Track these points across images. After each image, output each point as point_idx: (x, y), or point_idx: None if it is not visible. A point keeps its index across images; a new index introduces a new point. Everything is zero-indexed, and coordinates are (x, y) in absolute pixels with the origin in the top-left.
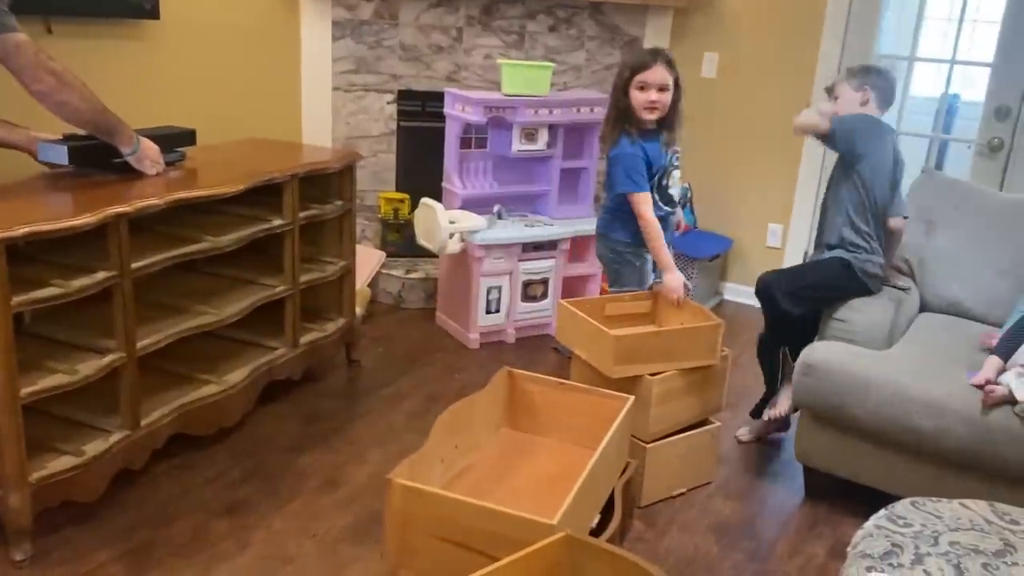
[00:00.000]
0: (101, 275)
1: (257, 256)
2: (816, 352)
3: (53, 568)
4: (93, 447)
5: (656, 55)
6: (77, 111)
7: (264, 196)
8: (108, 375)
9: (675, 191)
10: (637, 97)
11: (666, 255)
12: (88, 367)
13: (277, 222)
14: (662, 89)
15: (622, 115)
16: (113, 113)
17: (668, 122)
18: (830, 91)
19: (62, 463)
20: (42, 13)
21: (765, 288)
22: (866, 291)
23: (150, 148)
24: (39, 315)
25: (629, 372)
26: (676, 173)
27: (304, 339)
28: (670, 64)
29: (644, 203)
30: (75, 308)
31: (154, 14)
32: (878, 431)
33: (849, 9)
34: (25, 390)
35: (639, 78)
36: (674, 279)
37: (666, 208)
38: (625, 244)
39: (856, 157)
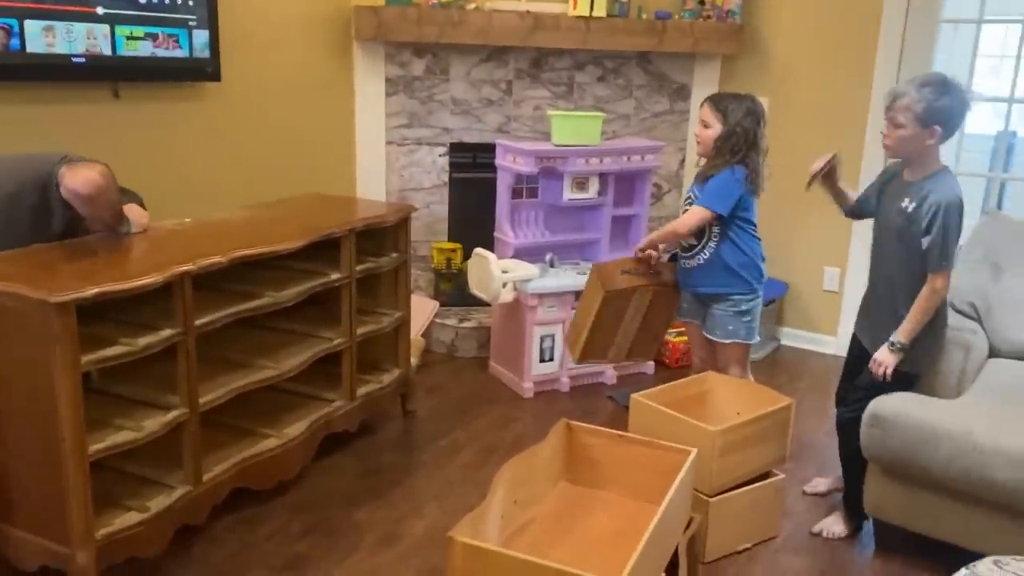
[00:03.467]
0: (166, 332)
1: (314, 309)
2: (884, 403)
3: None
4: (157, 502)
5: (709, 96)
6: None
7: (322, 250)
8: (171, 431)
9: None
10: None
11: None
12: (153, 423)
13: (335, 276)
14: (704, 125)
15: None
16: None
17: (708, 156)
18: (891, 108)
19: (128, 519)
20: (110, 79)
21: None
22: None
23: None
24: (104, 372)
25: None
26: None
27: (361, 391)
28: (715, 106)
29: None
30: (138, 364)
31: (216, 76)
32: (952, 484)
33: (901, 49)
34: (93, 447)
35: None
36: None
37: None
38: None
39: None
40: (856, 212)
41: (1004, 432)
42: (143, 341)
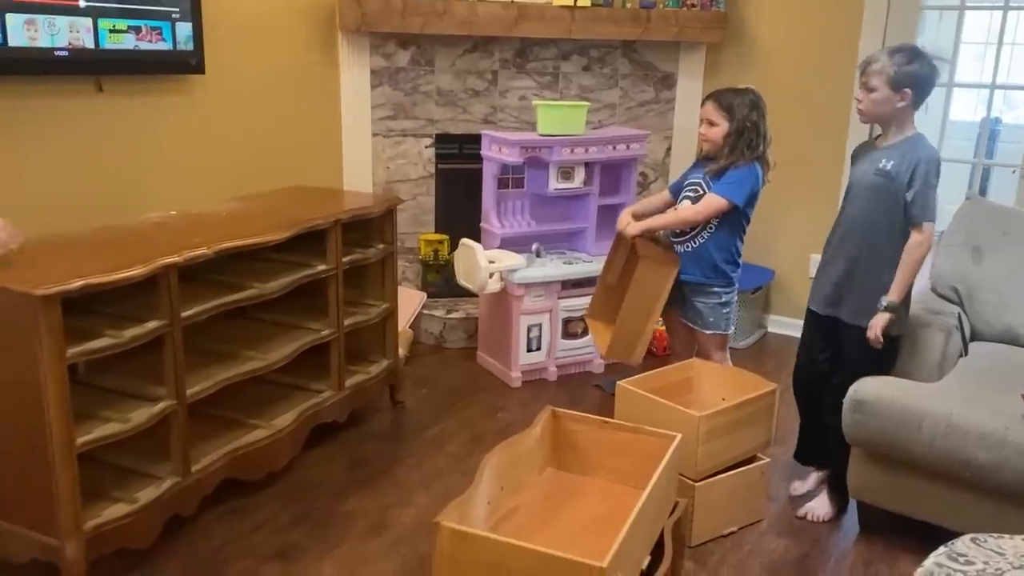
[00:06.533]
0: (152, 324)
1: (302, 301)
2: (866, 388)
3: None
4: (146, 494)
5: (711, 94)
6: None
7: (308, 242)
8: (159, 422)
9: None
10: None
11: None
12: (140, 415)
13: (321, 267)
14: (710, 124)
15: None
16: None
17: (716, 154)
18: (864, 73)
19: (116, 511)
20: (93, 72)
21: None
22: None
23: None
24: (91, 364)
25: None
26: (685, 203)
27: (349, 382)
28: (719, 104)
29: None
30: (126, 356)
31: (199, 69)
32: (933, 465)
33: (884, 37)
34: (80, 439)
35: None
36: None
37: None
38: None
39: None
40: None
41: (982, 413)
42: (129, 333)
